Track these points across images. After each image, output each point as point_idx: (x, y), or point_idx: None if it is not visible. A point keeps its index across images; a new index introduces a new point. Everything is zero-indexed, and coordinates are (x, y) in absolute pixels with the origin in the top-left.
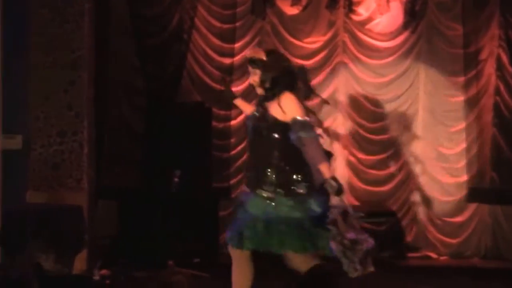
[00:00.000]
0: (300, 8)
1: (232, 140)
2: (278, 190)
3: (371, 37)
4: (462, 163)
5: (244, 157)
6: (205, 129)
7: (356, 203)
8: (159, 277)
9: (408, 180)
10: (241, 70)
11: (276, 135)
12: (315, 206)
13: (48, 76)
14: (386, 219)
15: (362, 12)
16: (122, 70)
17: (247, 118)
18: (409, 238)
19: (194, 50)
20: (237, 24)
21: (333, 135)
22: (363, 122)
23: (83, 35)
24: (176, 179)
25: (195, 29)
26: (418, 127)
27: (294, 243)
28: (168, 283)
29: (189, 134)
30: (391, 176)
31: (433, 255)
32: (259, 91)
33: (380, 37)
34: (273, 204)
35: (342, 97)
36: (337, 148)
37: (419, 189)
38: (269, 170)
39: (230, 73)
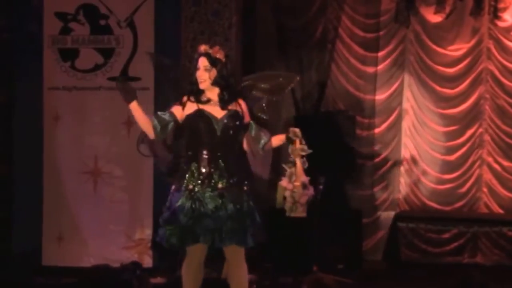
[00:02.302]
0: (444, 15)
1: (376, 148)
2: (246, 181)
3: None
4: None
5: (388, 164)
6: (349, 137)
7: (500, 210)
8: (304, 282)
9: None
10: (384, 78)
11: (242, 132)
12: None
13: None
14: None
15: (507, 18)
16: None
17: (209, 118)
18: None
19: (338, 59)
20: (381, 33)
21: (477, 143)
22: (508, 129)
23: (231, 47)
24: (320, 186)
25: (339, 38)
26: None
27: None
28: None
29: (334, 142)
30: None
31: None
32: (209, 89)
33: None
34: (248, 195)
35: (486, 104)
36: (481, 156)
37: None
38: (240, 164)
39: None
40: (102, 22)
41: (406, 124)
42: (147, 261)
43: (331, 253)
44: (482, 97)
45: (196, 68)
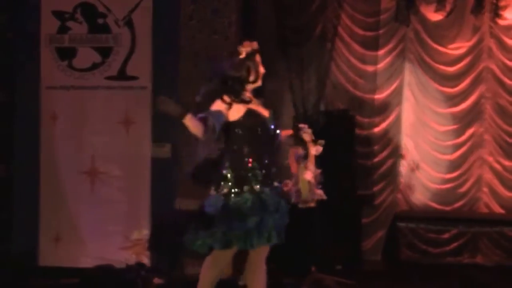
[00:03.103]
0: (444, 14)
1: (376, 147)
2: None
3: None
4: None
5: (389, 163)
6: (349, 136)
7: (501, 210)
8: (304, 283)
9: None
10: (384, 77)
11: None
12: None
13: (196, 86)
14: None
15: (508, 16)
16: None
17: (255, 116)
18: None
19: (337, 58)
20: (381, 31)
21: (478, 142)
22: (509, 128)
23: (230, 46)
24: (319, 186)
25: (339, 37)
26: None
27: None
28: None
29: (333, 141)
30: None
31: None
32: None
33: None
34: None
35: (487, 103)
36: (482, 155)
37: None
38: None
39: (374, 80)
40: (100, 21)
41: (406, 123)
42: (145, 262)
43: (330, 253)
44: (482, 96)
45: (255, 64)
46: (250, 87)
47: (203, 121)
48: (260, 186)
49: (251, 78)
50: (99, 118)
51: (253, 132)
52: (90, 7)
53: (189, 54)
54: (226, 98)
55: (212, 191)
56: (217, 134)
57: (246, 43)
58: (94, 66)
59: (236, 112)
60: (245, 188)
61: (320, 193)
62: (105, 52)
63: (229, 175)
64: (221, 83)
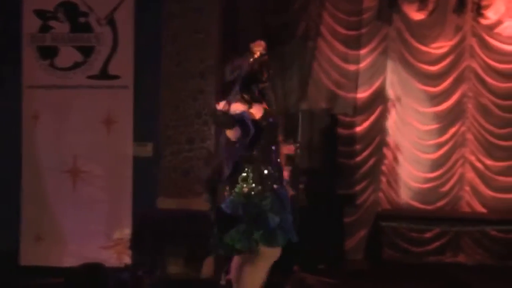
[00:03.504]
0: (426, 13)
1: (358, 147)
2: None
3: (500, 41)
4: None
5: (371, 163)
6: (331, 135)
7: (482, 209)
8: (287, 282)
9: None
10: (366, 76)
11: None
12: None
13: (178, 85)
14: None
15: (490, 15)
16: None
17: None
18: None
19: (320, 57)
20: (363, 30)
21: (460, 141)
22: (491, 127)
23: (212, 44)
24: (301, 185)
25: (321, 36)
26: None
27: None
28: None
29: (315, 140)
30: None
31: None
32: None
33: (509, 40)
34: None
35: (469, 102)
36: (464, 154)
37: None
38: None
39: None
40: (82, 20)
41: (388, 122)
42: (126, 261)
43: (313, 253)
44: (465, 95)
45: (267, 64)
46: (261, 86)
47: (239, 124)
48: (278, 186)
49: (264, 77)
50: (81, 117)
51: (270, 131)
52: (72, 6)
53: (171, 53)
54: (247, 97)
55: (227, 192)
56: (251, 135)
57: (258, 42)
58: (76, 65)
59: (256, 112)
60: (265, 187)
61: (289, 189)
62: (87, 51)
63: (248, 175)
64: (238, 84)
